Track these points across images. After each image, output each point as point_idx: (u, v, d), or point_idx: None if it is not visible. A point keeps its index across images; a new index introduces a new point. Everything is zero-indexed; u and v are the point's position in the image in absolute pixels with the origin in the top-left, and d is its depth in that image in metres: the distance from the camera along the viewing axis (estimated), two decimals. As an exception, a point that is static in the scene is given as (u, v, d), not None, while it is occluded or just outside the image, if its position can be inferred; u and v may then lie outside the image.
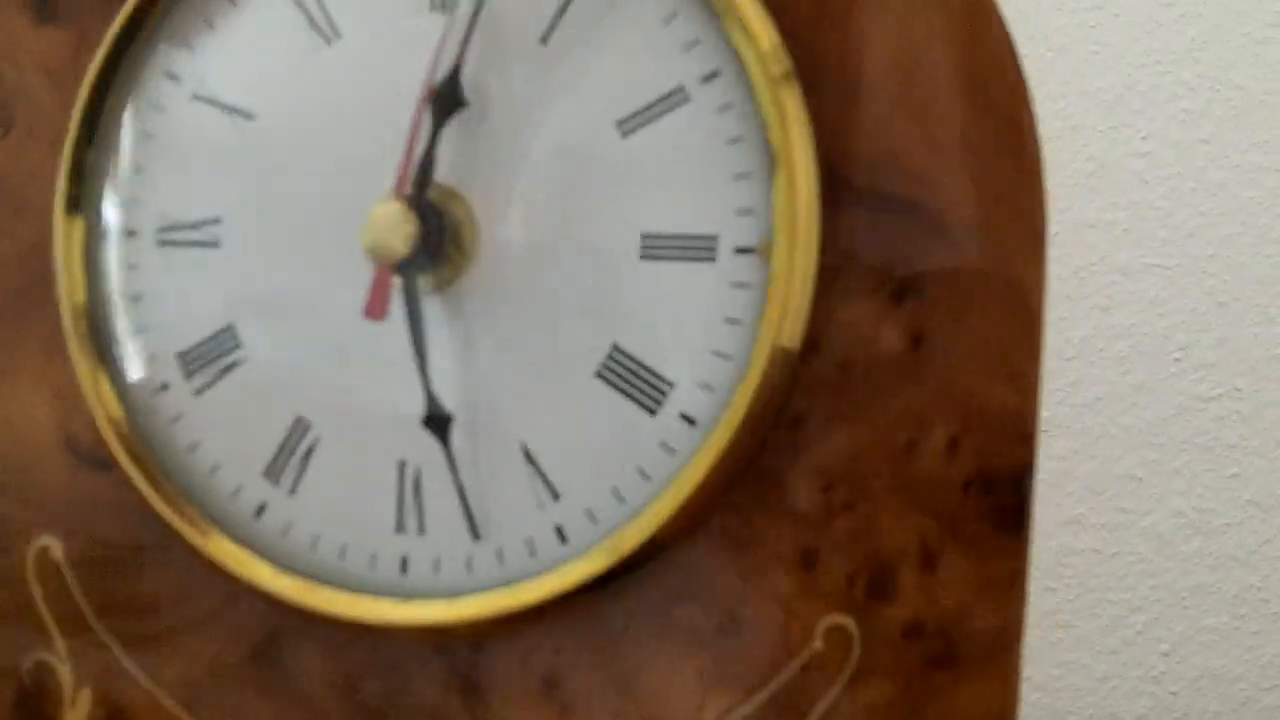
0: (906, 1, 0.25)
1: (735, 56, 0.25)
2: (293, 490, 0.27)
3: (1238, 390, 0.58)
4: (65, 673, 0.29)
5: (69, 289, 0.29)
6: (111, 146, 0.29)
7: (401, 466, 0.27)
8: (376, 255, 0.26)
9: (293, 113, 0.28)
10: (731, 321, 0.25)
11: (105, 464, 0.29)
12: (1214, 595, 0.59)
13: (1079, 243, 0.59)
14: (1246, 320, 0.58)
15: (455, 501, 0.27)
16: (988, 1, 0.25)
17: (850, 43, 0.26)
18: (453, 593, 0.26)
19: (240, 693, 0.28)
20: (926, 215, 0.25)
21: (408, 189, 0.26)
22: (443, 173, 0.27)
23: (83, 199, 0.29)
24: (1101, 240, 0.59)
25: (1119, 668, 0.59)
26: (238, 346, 0.28)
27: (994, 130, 0.25)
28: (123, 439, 0.29)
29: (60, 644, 0.29)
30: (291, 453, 0.28)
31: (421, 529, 0.27)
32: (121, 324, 0.29)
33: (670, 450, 0.26)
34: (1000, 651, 0.25)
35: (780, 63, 0.25)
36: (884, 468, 0.26)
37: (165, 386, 0.29)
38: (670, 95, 0.26)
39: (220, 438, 0.28)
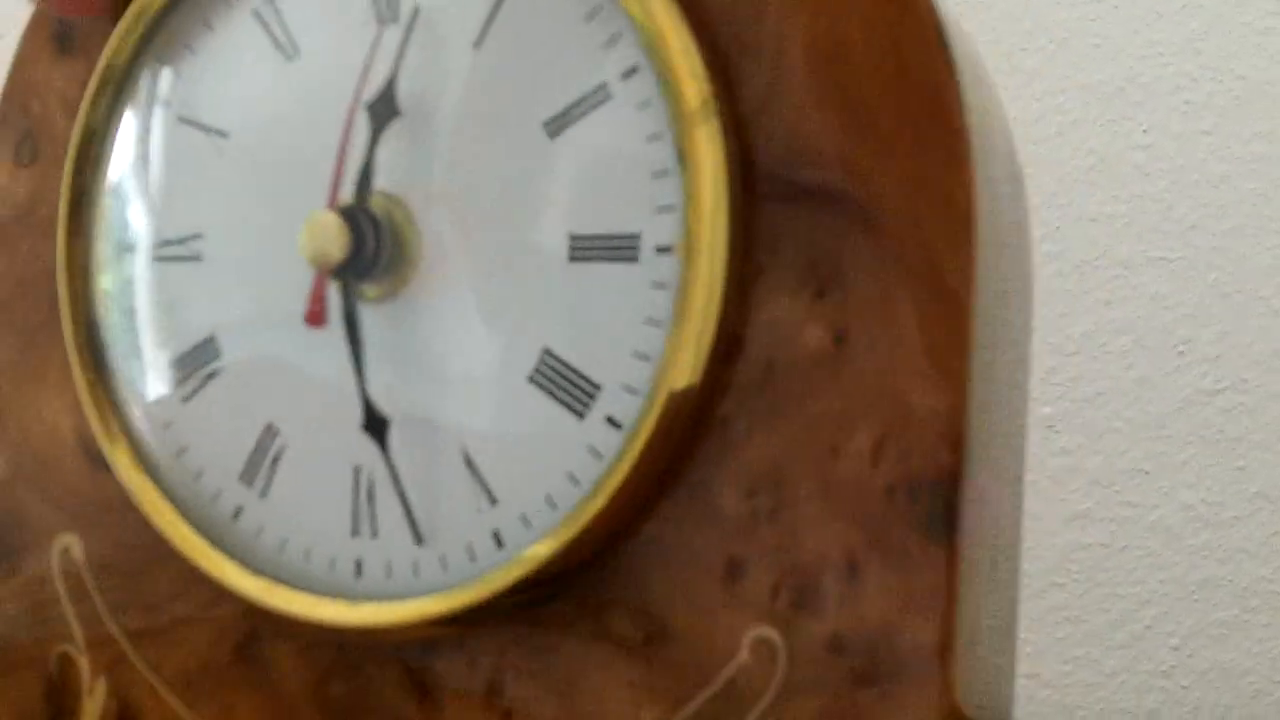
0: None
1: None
2: (264, 494, 0.28)
3: (1243, 382, 0.58)
4: (84, 664, 0.30)
5: (70, 306, 0.30)
6: (107, 170, 0.30)
7: (357, 472, 0.27)
8: (312, 263, 0.26)
9: (260, 130, 0.28)
10: (652, 322, 0.25)
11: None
12: (1223, 588, 0.58)
13: (1080, 237, 0.58)
14: (1251, 313, 0.58)
15: (400, 507, 0.27)
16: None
17: (768, 28, 0.25)
18: (400, 597, 0.27)
19: (229, 688, 0.29)
20: (847, 206, 0.25)
21: (340, 199, 0.27)
22: (388, 181, 0.27)
23: (84, 219, 0.30)
24: (1103, 234, 0.59)
25: (1128, 662, 0.58)
26: (218, 356, 0.29)
27: (917, 113, 0.24)
28: (118, 445, 0.29)
29: (79, 636, 0.30)
30: (263, 458, 0.28)
31: (374, 533, 0.27)
32: (118, 337, 0.30)
33: (597, 455, 0.25)
34: (927, 673, 0.24)
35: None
36: (808, 473, 0.25)
37: (157, 395, 0.29)
38: (593, 93, 0.26)
39: (203, 443, 0.29)
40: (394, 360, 0.27)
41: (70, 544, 0.31)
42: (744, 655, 0.25)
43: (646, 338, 0.25)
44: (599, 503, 0.25)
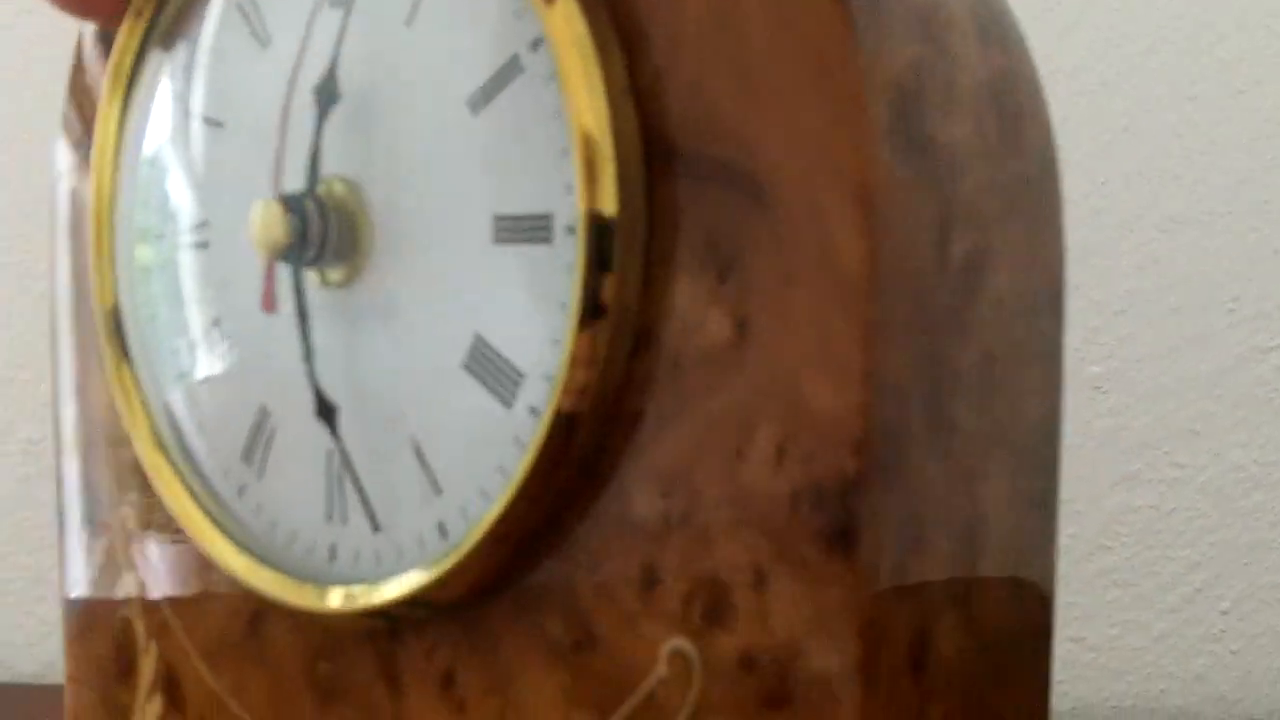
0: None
1: None
2: (260, 475, 0.28)
3: (1296, 339, 0.56)
4: (140, 627, 0.31)
5: (99, 292, 0.31)
6: (132, 164, 0.30)
7: (329, 457, 0.27)
8: (259, 249, 0.27)
9: (244, 118, 0.28)
10: (564, 307, 0.24)
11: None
12: (1275, 551, 0.57)
13: (1126, 193, 0.57)
14: (1303, 268, 0.56)
15: (357, 494, 0.27)
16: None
17: None
18: (362, 582, 0.27)
19: (242, 661, 0.29)
20: (743, 179, 0.23)
21: (281, 186, 0.27)
22: (343, 166, 0.27)
23: (114, 213, 0.31)
24: (1149, 189, 0.57)
25: (1178, 626, 0.58)
26: (222, 339, 0.29)
27: (807, 74, 0.22)
28: (137, 423, 0.30)
29: (136, 601, 0.31)
30: (259, 439, 0.29)
31: (344, 519, 0.27)
32: (141, 321, 0.30)
33: (521, 445, 0.25)
34: (833, 699, 0.22)
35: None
36: (715, 475, 0.23)
37: (179, 376, 0.30)
38: (507, 66, 0.25)
39: (214, 421, 0.29)
40: (347, 346, 0.27)
41: (128, 514, 0.31)
42: (662, 668, 0.24)
43: (560, 324, 0.24)
44: (515, 498, 0.24)
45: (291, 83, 0.27)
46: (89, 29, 0.32)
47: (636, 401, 0.24)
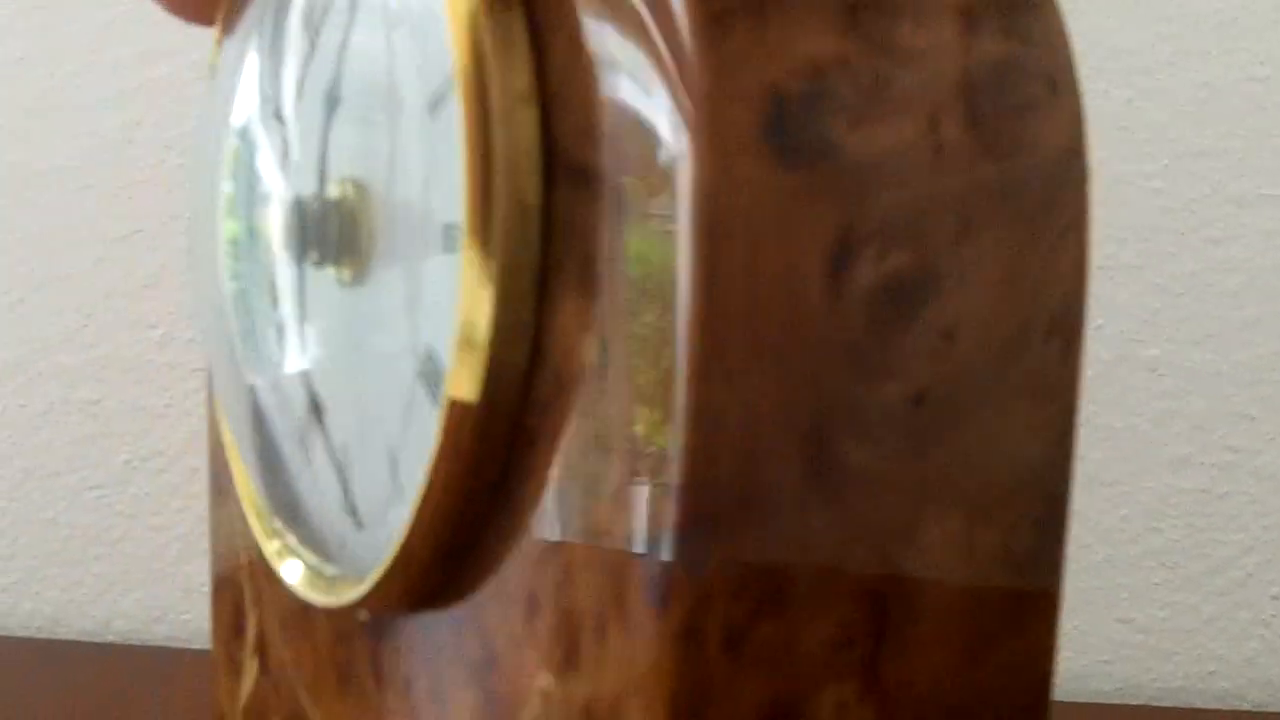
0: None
1: None
2: (308, 459, 0.29)
3: (1358, 325, 0.56)
4: (248, 591, 0.32)
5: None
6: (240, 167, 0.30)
7: (344, 450, 0.28)
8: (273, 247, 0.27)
9: (296, 116, 0.28)
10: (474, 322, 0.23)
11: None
12: (1329, 537, 0.57)
13: (1189, 172, 0.56)
14: (1368, 252, 0.55)
15: (340, 490, 0.27)
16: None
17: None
18: (348, 578, 0.27)
19: (300, 636, 0.30)
20: (601, 183, 0.21)
21: (291, 187, 0.27)
22: (354, 167, 0.27)
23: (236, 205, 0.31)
24: (1214, 170, 0.56)
25: (1227, 609, 0.57)
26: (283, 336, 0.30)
27: (655, 75, 0.20)
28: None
29: (245, 565, 0.32)
30: (311, 421, 0.29)
31: (353, 513, 0.27)
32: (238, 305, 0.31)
33: None
34: None
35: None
36: (578, 506, 0.21)
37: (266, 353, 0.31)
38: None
39: (276, 404, 0.30)
40: (342, 346, 0.27)
41: (241, 480, 0.32)
42: (535, 701, 0.22)
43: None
44: (418, 511, 0.23)
45: (301, 84, 0.27)
46: None
47: (532, 422, 0.22)
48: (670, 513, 0.19)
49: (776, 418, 0.20)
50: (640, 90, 0.20)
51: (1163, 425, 0.56)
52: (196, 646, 0.58)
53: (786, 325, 0.20)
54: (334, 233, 0.26)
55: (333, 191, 0.27)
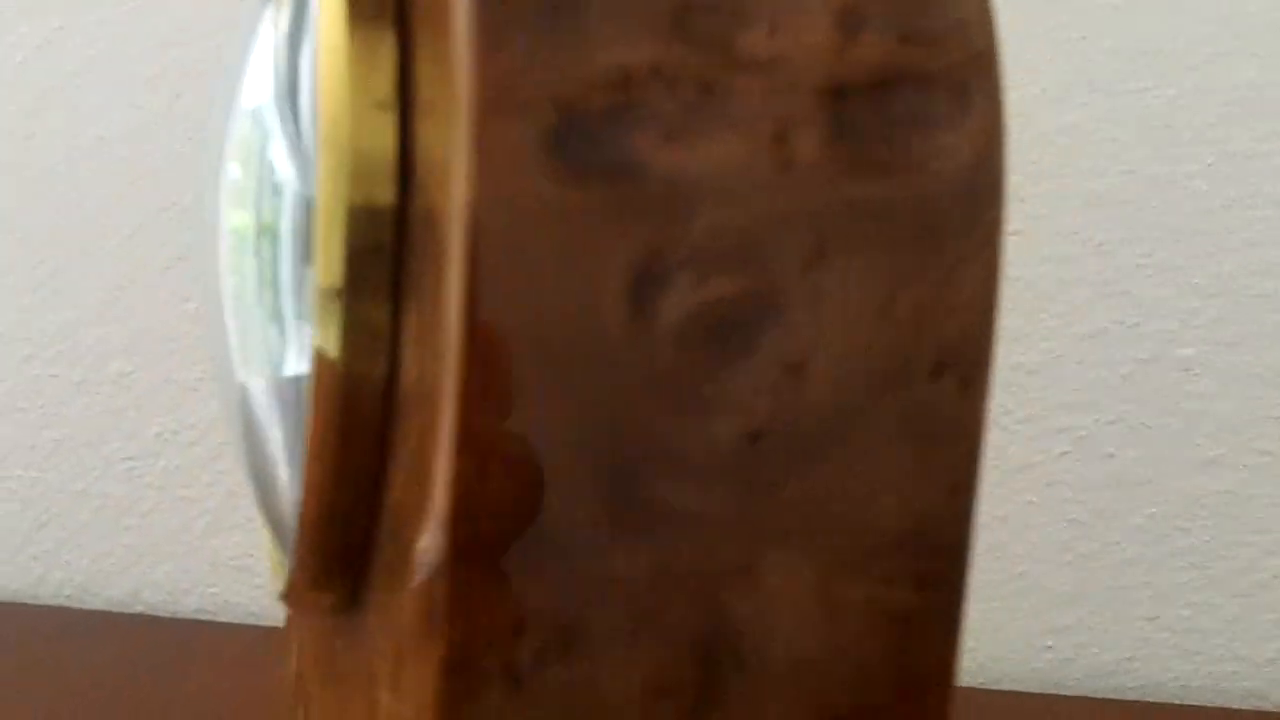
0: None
1: None
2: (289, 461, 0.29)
3: (1393, 331, 0.56)
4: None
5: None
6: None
7: None
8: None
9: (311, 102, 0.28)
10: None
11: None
12: (1356, 542, 0.57)
13: (1229, 174, 0.56)
14: (1407, 258, 0.55)
15: None
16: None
17: None
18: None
19: (326, 632, 0.30)
20: (423, 209, 0.20)
21: (306, 183, 0.27)
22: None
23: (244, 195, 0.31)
24: (1254, 171, 0.56)
25: (1250, 610, 0.57)
26: None
27: (445, 85, 0.19)
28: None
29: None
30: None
31: None
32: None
33: None
34: None
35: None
36: (407, 528, 0.20)
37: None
38: None
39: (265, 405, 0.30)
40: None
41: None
42: None
43: None
44: (306, 516, 0.22)
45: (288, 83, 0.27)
46: None
47: (391, 430, 0.21)
48: (439, 541, 0.19)
49: (570, 451, 0.19)
50: (437, 95, 0.19)
51: (1194, 425, 0.56)
52: (224, 619, 0.59)
53: (581, 355, 0.19)
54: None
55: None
